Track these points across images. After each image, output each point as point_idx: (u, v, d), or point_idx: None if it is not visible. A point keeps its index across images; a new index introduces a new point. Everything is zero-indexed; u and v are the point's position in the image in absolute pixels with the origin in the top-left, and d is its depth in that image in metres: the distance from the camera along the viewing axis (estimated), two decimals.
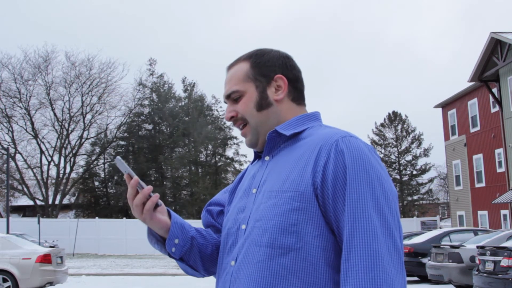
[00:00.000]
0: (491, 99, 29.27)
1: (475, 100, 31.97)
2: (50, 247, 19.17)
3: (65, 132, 51.26)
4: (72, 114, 51.23)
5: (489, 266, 10.91)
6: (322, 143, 1.58)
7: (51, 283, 13.46)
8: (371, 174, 1.51)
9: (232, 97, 1.76)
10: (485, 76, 28.34)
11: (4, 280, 12.95)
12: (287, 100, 1.76)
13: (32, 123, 49.69)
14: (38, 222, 31.68)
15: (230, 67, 1.81)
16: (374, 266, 1.42)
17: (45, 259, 13.24)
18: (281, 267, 1.51)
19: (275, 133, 1.69)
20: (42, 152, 50.51)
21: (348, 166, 1.51)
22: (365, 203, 1.48)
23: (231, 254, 1.67)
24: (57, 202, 49.83)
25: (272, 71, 1.75)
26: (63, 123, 51.13)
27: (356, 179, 1.50)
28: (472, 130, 32.40)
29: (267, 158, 1.72)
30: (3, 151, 47.29)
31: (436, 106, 36.80)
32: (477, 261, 11.69)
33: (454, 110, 34.74)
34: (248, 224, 1.63)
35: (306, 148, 1.62)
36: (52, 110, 50.58)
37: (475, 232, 17.15)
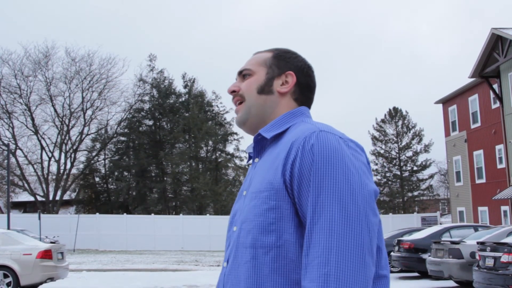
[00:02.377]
0: (492, 95, 29.24)
1: (475, 96, 31.95)
2: (51, 242, 19.19)
3: (65, 128, 51.28)
4: (72, 110, 51.25)
5: (489, 262, 10.92)
6: (294, 139, 1.60)
7: (52, 279, 13.48)
8: (337, 169, 1.50)
9: (243, 74, 1.86)
10: (486, 72, 28.31)
11: (5, 276, 12.97)
12: (289, 98, 1.82)
13: (33, 119, 49.71)
14: (39, 218, 31.72)
15: (256, 53, 1.92)
16: (327, 262, 1.42)
17: (46, 254, 13.25)
18: (265, 266, 1.53)
19: (260, 135, 1.75)
20: (42, 148, 50.53)
21: (314, 162, 1.52)
22: (327, 199, 1.47)
23: (225, 256, 1.72)
24: (57, 198, 49.87)
25: (287, 67, 1.83)
26: (64, 119, 51.14)
27: (320, 175, 1.50)
28: (472, 126, 32.39)
29: (256, 160, 1.77)
30: (3, 147, 47.31)
31: (437, 102, 36.79)
32: (477, 257, 11.70)
33: (454, 106, 34.73)
34: (238, 226, 1.67)
35: (282, 146, 1.64)
36: (53, 106, 50.60)
37: (475, 228, 17.16)
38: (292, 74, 1.82)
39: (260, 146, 1.76)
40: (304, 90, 1.84)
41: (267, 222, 1.55)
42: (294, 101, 1.82)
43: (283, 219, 1.54)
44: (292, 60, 1.85)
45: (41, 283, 13.54)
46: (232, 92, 1.86)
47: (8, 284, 12.93)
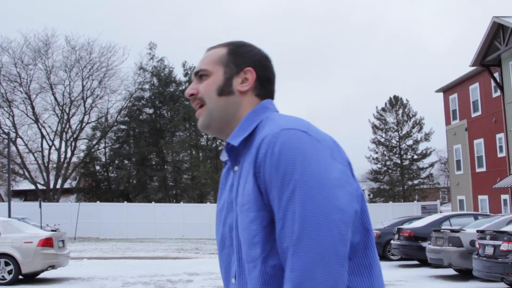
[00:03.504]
0: (493, 83, 29.19)
1: (476, 84, 31.90)
2: (52, 231, 19.23)
3: (65, 117, 51.26)
4: (72, 98, 51.19)
5: (489, 250, 10.95)
6: (259, 143, 1.54)
7: (53, 267, 13.53)
8: (302, 170, 1.44)
9: (199, 74, 1.77)
10: (487, 60, 28.24)
11: (6, 264, 13.02)
12: (251, 95, 1.74)
13: (33, 108, 49.67)
14: (40, 206, 31.79)
15: (210, 48, 1.82)
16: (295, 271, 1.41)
17: (47, 242, 13.29)
18: (257, 279, 1.50)
19: (229, 144, 1.66)
20: (43, 136, 50.54)
21: (277, 165, 1.46)
22: (291, 204, 1.43)
23: (230, 272, 1.66)
24: (58, 186, 49.95)
25: (245, 62, 1.75)
26: (64, 108, 51.10)
27: (283, 179, 1.45)
28: (473, 115, 32.36)
29: (236, 168, 1.67)
30: (4, 136, 47.32)
31: (438, 91, 36.74)
32: (477, 245, 11.73)
33: (455, 95, 34.67)
34: (236, 240, 1.62)
35: (252, 151, 1.58)
36: (53, 94, 50.55)
37: (475, 217, 17.20)
38: (251, 70, 1.74)
39: (235, 154, 1.67)
40: (265, 84, 1.77)
41: (251, 235, 1.51)
42: (256, 97, 1.75)
43: (264, 229, 1.50)
44: (249, 54, 1.77)
45: (42, 271, 13.60)
46: (191, 95, 1.77)
47: (10, 272, 12.98)
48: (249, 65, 1.75)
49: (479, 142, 31.79)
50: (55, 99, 50.67)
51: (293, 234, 1.41)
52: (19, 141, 49.15)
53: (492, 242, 10.92)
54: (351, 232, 1.48)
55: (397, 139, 60.07)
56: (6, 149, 40.14)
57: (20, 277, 13.36)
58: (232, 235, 1.63)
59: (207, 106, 1.73)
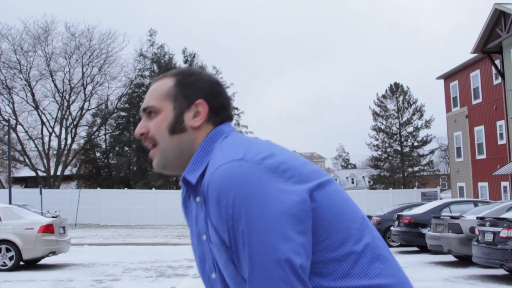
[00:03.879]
0: (494, 71, 29.13)
1: (477, 71, 31.83)
2: (53, 217, 19.28)
3: (66, 103, 51.22)
4: (72, 85, 51.12)
5: (489, 237, 10.98)
6: (204, 180, 1.46)
7: (54, 253, 13.58)
8: (237, 214, 1.36)
9: (147, 111, 1.64)
10: (488, 47, 28.16)
11: (8, 250, 13.06)
12: (205, 126, 1.61)
13: (33, 94, 49.61)
14: (40, 193, 31.85)
15: (156, 80, 1.69)
16: None
17: (48, 229, 13.33)
18: None
19: (185, 179, 1.57)
20: (43, 123, 50.53)
21: (217, 211, 1.39)
22: (237, 245, 1.38)
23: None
24: (58, 173, 50.03)
25: (195, 94, 1.62)
26: (64, 94, 51.05)
27: (225, 223, 1.38)
28: (474, 102, 32.32)
29: (198, 199, 1.57)
30: (4, 123, 47.32)
31: (438, 78, 36.67)
32: (476, 232, 11.77)
33: (456, 82, 34.61)
34: (215, 273, 1.56)
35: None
36: (53, 81, 50.47)
37: (475, 203, 17.23)
38: (203, 102, 1.61)
39: (193, 187, 1.56)
40: (219, 111, 1.64)
41: (232, 275, 1.46)
42: (212, 125, 1.62)
43: (230, 267, 1.45)
44: (198, 84, 1.64)
45: (43, 257, 13.65)
46: (141, 135, 1.66)
47: (11, 258, 13.03)
48: (199, 97, 1.62)
49: (479, 129, 31.78)
50: (55, 86, 50.61)
51: (246, 276, 1.38)
52: (19, 128, 49.18)
53: (491, 228, 10.95)
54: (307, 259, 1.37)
55: (398, 126, 60.09)
56: (7, 136, 40.14)
57: (21, 263, 13.42)
58: (205, 266, 1.59)
59: (160, 146, 1.62)
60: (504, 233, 10.51)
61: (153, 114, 1.63)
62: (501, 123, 29.11)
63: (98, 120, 55.59)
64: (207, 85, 1.65)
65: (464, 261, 14.23)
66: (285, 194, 1.37)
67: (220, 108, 1.65)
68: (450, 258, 15.12)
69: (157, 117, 1.62)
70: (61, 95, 50.88)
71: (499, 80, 28.57)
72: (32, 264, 14.10)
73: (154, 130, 1.62)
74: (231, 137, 1.59)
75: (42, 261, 14.60)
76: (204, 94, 1.63)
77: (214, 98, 1.64)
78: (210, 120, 1.62)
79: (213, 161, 1.48)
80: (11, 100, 49.09)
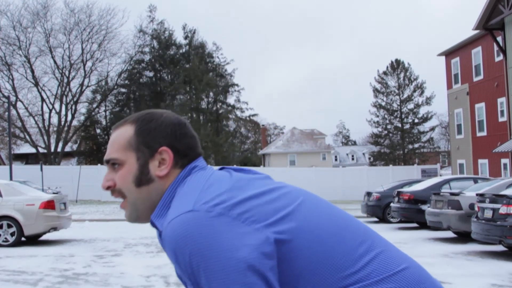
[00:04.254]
0: (496, 47, 28.96)
1: (479, 48, 31.66)
2: (53, 193, 19.35)
3: (65, 80, 51.07)
4: (72, 61, 50.94)
5: (488, 213, 11.01)
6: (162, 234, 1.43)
7: (55, 229, 13.64)
8: (191, 265, 1.32)
9: (111, 163, 1.57)
10: (490, 24, 27.95)
11: (9, 226, 13.12)
12: (173, 171, 1.54)
13: (33, 71, 49.46)
14: (41, 169, 31.90)
15: (116, 127, 1.61)
16: None
17: (49, 205, 13.37)
18: None
19: (154, 224, 1.53)
20: (43, 100, 50.45)
21: (173, 261, 1.37)
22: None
23: None
24: (59, 149, 50.08)
25: (157, 142, 1.54)
26: (64, 71, 50.89)
27: (183, 272, 1.35)
28: (475, 79, 32.20)
29: None
30: (4, 99, 47.26)
31: (440, 54, 36.49)
32: (476, 209, 11.80)
33: (457, 59, 34.46)
34: None
35: None
36: (52, 57, 50.28)
37: (475, 180, 17.25)
38: (166, 149, 1.53)
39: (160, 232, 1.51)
40: (186, 153, 1.57)
41: None
42: (180, 168, 1.55)
43: None
44: (160, 129, 1.55)
45: (44, 233, 13.72)
46: (107, 188, 1.58)
47: (12, 234, 13.10)
48: (162, 144, 1.54)
49: (480, 106, 31.72)
50: (55, 62, 50.43)
51: None
52: (19, 104, 49.11)
53: (491, 205, 10.98)
54: None
55: (398, 103, 60.01)
56: (7, 113, 40.10)
57: (23, 239, 13.49)
58: None
59: (128, 199, 1.55)
60: (503, 209, 10.55)
61: (117, 166, 1.55)
62: (502, 100, 29.03)
63: (98, 97, 55.52)
64: (169, 129, 1.56)
65: (463, 237, 14.30)
66: (241, 239, 1.31)
67: (186, 150, 1.57)
68: (450, 234, 15.20)
69: (121, 169, 1.54)
70: (60, 71, 50.73)
71: (501, 57, 28.42)
72: (34, 240, 14.18)
73: (120, 184, 1.54)
74: (191, 180, 1.50)
75: (44, 237, 14.68)
76: (167, 139, 1.55)
77: (179, 141, 1.56)
78: (177, 165, 1.54)
79: (168, 212, 1.42)
80: (10, 76, 48.97)
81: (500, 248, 12.15)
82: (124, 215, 1.60)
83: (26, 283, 8.41)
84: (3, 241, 13.02)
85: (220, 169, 1.60)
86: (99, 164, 41.67)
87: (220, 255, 1.29)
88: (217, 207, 1.34)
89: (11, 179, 27.01)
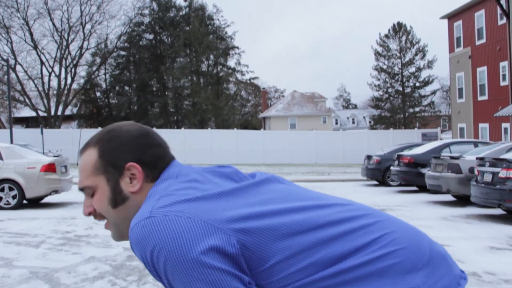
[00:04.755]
0: (499, 11, 28.64)
1: (482, 11, 31.31)
2: (54, 156, 19.37)
3: (64, 43, 50.71)
4: (71, 24, 50.49)
5: (488, 177, 11.05)
6: None
7: (56, 191, 13.70)
8: (148, 260, 1.37)
9: (86, 192, 1.58)
10: None
11: (10, 189, 13.18)
12: (146, 185, 1.53)
13: (31, 34, 49.06)
14: (41, 133, 31.91)
15: (81, 153, 1.60)
16: None
17: (50, 168, 13.41)
18: None
19: None
20: (42, 63, 50.18)
21: (141, 260, 1.41)
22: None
23: None
24: (59, 113, 50.04)
25: (122, 159, 1.52)
26: (63, 34, 50.49)
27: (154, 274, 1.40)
28: (477, 43, 31.93)
29: None
30: (3, 62, 47.00)
31: (442, 17, 36.11)
32: (475, 172, 11.83)
33: (460, 22, 34.11)
34: None
35: None
36: (51, 20, 49.82)
37: (475, 144, 17.25)
38: (133, 164, 1.51)
39: None
40: (155, 163, 1.55)
41: None
42: (152, 181, 1.53)
43: None
44: (122, 146, 1.53)
45: (45, 196, 13.78)
46: (89, 214, 1.59)
47: (14, 197, 13.17)
48: (128, 160, 1.52)
49: (482, 70, 31.54)
50: (53, 25, 49.98)
51: None
52: (18, 68, 48.88)
53: (491, 169, 11.00)
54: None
55: (400, 66, 59.71)
56: (6, 76, 39.93)
57: (24, 201, 13.57)
58: None
59: (110, 221, 1.57)
60: (503, 173, 10.57)
61: (91, 192, 1.56)
62: (504, 64, 28.85)
63: (98, 60, 55.20)
64: (131, 143, 1.54)
65: (462, 200, 14.38)
66: (201, 237, 1.33)
67: (155, 161, 1.55)
68: (449, 197, 15.28)
69: (96, 194, 1.54)
70: (59, 34, 50.33)
71: (504, 20, 28.12)
72: (35, 203, 14.27)
73: (99, 208, 1.55)
74: (152, 190, 1.50)
75: (45, 200, 14.76)
76: (131, 155, 1.52)
77: (144, 154, 1.54)
78: (148, 178, 1.53)
79: (144, 210, 1.42)
80: (9, 39, 48.60)
81: (499, 211, 12.23)
82: (111, 236, 1.61)
83: (28, 245, 8.49)
84: (5, 204, 13.10)
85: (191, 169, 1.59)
86: (99, 128, 41.68)
87: (181, 252, 1.31)
88: (174, 209, 1.36)
89: (11, 142, 27.04)
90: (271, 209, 1.44)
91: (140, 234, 1.36)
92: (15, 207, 13.09)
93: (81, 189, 1.58)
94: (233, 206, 1.42)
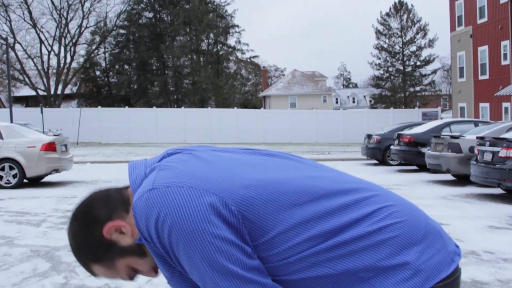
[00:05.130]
0: None
1: None
2: (54, 135, 19.38)
3: (63, 21, 50.41)
4: (70, 2, 50.14)
5: (488, 157, 11.05)
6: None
7: (56, 170, 13.72)
8: (151, 228, 1.39)
9: (136, 275, 1.65)
10: None
11: (11, 168, 13.19)
12: (129, 218, 1.51)
13: (30, 12, 48.77)
14: (41, 112, 31.89)
15: (89, 271, 1.62)
16: None
17: (50, 147, 13.41)
18: None
19: None
20: (41, 41, 49.93)
21: (146, 233, 1.43)
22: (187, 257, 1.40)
23: None
24: (59, 92, 49.92)
25: (100, 242, 1.52)
26: (62, 12, 50.17)
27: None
28: (479, 21, 31.74)
29: None
30: (2, 41, 46.76)
31: None
32: (476, 151, 11.83)
33: (461, 0, 33.88)
34: None
35: None
36: None
37: (476, 123, 17.22)
38: (107, 228, 1.50)
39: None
40: (116, 206, 1.53)
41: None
42: (127, 213, 1.52)
43: None
44: (88, 238, 1.52)
45: (46, 175, 13.80)
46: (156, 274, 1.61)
47: (14, 176, 13.19)
48: (101, 233, 1.50)
49: (483, 49, 31.40)
50: (52, 3, 49.63)
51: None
52: (17, 46, 48.66)
53: (491, 148, 11.00)
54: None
55: (401, 45, 59.45)
56: (5, 55, 39.77)
57: (25, 180, 13.60)
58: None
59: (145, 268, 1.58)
60: (503, 153, 10.57)
61: (134, 272, 1.58)
62: (505, 43, 28.72)
63: (97, 38, 54.92)
64: (92, 219, 1.52)
65: (462, 180, 14.40)
66: (204, 204, 1.36)
67: (115, 206, 1.53)
68: (449, 177, 15.30)
69: (136, 269, 1.57)
70: (58, 12, 50.01)
71: None
72: (36, 182, 14.30)
73: (148, 268, 1.57)
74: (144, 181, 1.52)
75: (46, 179, 14.79)
76: (99, 226, 1.51)
77: (104, 214, 1.52)
78: (124, 213, 1.52)
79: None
80: (8, 18, 48.32)
81: (498, 191, 12.26)
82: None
83: (29, 223, 8.52)
84: (6, 183, 13.13)
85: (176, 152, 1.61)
86: (99, 107, 41.63)
87: (185, 221, 1.35)
88: (175, 180, 1.41)
89: (11, 121, 27.03)
90: (271, 179, 1.46)
91: (144, 205, 1.39)
92: (15, 186, 13.12)
93: (132, 278, 1.60)
94: (233, 175, 1.45)
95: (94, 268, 1.56)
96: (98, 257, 1.53)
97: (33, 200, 11.09)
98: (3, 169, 13.16)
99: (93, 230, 1.51)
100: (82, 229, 1.53)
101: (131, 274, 1.58)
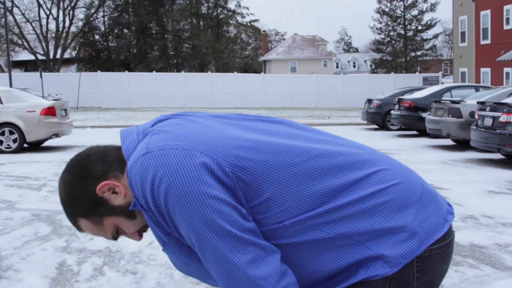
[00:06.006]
0: None
1: None
2: (54, 100, 19.32)
3: None
4: None
5: (488, 122, 11.03)
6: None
7: (56, 135, 13.73)
8: (147, 191, 1.39)
9: (117, 236, 1.64)
10: None
11: (11, 133, 13.19)
12: (124, 179, 1.52)
13: None
14: (40, 76, 31.73)
15: (75, 226, 1.61)
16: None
17: (50, 111, 13.38)
18: None
19: None
20: (39, 5, 49.40)
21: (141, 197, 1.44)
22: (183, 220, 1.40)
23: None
24: (58, 56, 49.62)
25: (92, 196, 1.52)
26: None
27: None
28: None
29: None
30: None
31: None
32: (476, 117, 11.81)
33: None
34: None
35: None
36: None
37: (476, 89, 17.16)
38: (101, 186, 1.50)
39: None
40: (111, 165, 1.53)
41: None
42: (122, 174, 1.53)
43: None
44: (80, 193, 1.52)
45: (46, 139, 13.82)
46: (140, 237, 1.63)
47: (15, 141, 13.20)
48: (94, 194, 1.51)
49: (485, 14, 31.08)
50: None
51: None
52: (15, 10, 48.17)
53: (491, 113, 10.97)
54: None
55: (402, 9, 58.79)
56: (3, 19, 39.39)
57: (25, 145, 13.61)
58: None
59: (143, 224, 1.59)
60: (503, 118, 10.55)
61: (116, 232, 1.59)
62: (508, 7, 28.42)
63: (96, 2, 54.36)
64: (85, 173, 1.52)
65: (462, 145, 14.42)
66: (199, 165, 1.37)
67: (112, 161, 1.54)
68: (449, 142, 15.32)
69: (120, 228, 1.57)
70: None
71: None
72: (36, 146, 14.32)
73: (133, 230, 1.58)
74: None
75: (46, 143, 14.82)
76: (93, 182, 1.51)
77: (100, 170, 1.52)
78: (120, 174, 1.53)
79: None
80: None
81: (498, 156, 12.28)
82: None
83: (30, 188, 8.56)
84: (6, 148, 13.14)
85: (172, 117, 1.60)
86: (98, 71, 41.41)
87: (181, 182, 1.35)
88: (169, 143, 1.41)
89: (10, 86, 26.92)
90: (264, 140, 1.47)
91: (139, 169, 1.39)
92: (16, 151, 13.14)
93: (116, 238, 1.60)
94: (227, 136, 1.45)
95: (80, 222, 1.56)
96: (87, 212, 1.53)
97: (34, 165, 11.12)
98: (3, 133, 13.16)
99: (86, 185, 1.51)
100: (76, 182, 1.53)
101: (115, 234, 1.58)
